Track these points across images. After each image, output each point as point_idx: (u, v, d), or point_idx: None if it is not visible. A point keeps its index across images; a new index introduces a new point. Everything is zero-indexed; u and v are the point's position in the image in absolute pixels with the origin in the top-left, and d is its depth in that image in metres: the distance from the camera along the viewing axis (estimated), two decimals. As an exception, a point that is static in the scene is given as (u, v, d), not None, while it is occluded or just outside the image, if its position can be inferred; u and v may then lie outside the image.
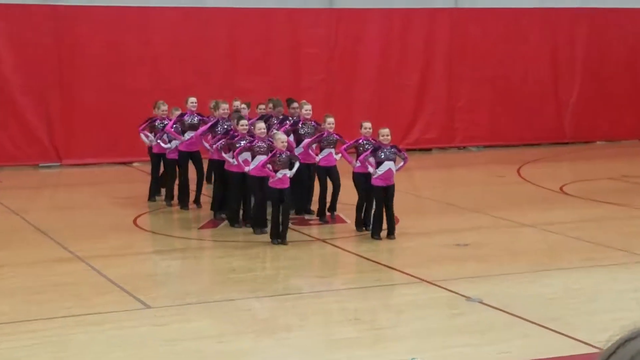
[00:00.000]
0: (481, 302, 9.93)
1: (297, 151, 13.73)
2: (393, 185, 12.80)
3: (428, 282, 10.78)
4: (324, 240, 13.20)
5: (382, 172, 12.62)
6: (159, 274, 11.91)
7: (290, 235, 12.87)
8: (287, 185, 12.40)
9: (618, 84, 23.81)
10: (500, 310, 9.68)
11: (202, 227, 13.92)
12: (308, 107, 14.62)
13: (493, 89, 23.03)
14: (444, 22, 22.71)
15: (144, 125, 15.52)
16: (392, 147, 12.79)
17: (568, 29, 23.60)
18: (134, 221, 14.31)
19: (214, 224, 14.00)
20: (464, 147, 23.10)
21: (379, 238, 12.76)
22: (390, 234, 12.83)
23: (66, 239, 13.07)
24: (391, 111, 22.06)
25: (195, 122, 14.75)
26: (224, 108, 14.18)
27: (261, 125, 13.05)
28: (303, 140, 14.13)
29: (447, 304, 10.09)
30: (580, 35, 23.63)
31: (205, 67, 20.94)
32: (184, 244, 13.20)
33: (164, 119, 15.25)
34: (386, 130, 12.81)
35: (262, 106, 15.57)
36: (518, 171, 19.60)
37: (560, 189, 17.36)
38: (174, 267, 12.17)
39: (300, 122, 14.47)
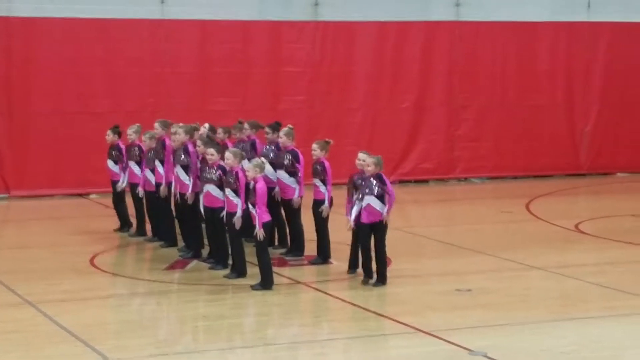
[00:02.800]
0: (486, 356, 9.89)
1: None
2: (381, 222, 12.76)
3: (425, 332, 10.69)
4: (305, 284, 13.21)
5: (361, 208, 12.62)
6: (118, 322, 11.89)
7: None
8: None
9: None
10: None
11: (167, 268, 13.97)
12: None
13: (499, 113, 23.15)
14: (444, 37, 22.87)
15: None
16: (375, 177, 12.70)
17: (585, 46, 23.72)
18: (91, 261, 14.32)
19: (182, 264, 14.11)
20: (466, 179, 23.18)
21: (353, 273, 12.89)
22: (381, 279, 12.79)
23: (14, 281, 13.02)
24: (383, 138, 22.16)
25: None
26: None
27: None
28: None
29: (447, 358, 10.03)
30: (598, 53, 23.78)
31: (171, 86, 21.01)
32: (147, 287, 13.22)
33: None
34: (363, 155, 12.77)
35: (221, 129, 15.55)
36: (527, 206, 19.63)
37: (576, 227, 17.35)
38: (135, 313, 12.15)
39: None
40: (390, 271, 13.05)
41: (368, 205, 12.60)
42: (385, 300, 12.46)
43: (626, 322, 11.34)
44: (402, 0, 22.57)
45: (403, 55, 22.57)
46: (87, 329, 10.98)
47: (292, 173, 14.25)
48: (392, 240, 13.38)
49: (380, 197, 12.64)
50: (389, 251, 13.10)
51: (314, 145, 13.99)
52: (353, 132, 21.87)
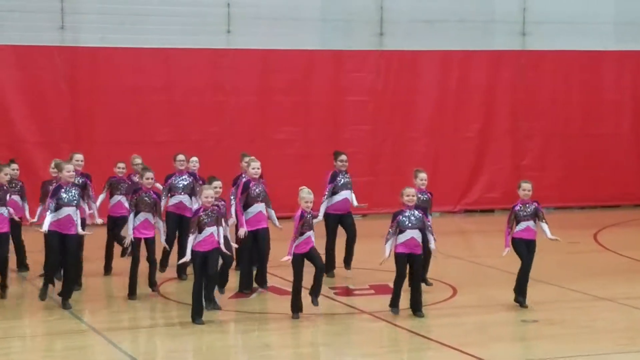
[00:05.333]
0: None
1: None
2: (420, 255, 12.73)
3: (490, 363, 10.82)
4: (370, 313, 13.22)
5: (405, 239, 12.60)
6: (182, 350, 11.99)
7: (330, 305, 13.04)
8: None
9: None
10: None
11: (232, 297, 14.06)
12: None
13: (565, 142, 23.13)
14: (509, 66, 22.93)
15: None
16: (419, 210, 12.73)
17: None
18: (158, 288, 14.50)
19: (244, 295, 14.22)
20: (532, 209, 23.12)
21: (396, 312, 12.78)
22: (417, 310, 12.75)
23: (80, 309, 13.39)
24: (448, 167, 22.25)
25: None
26: (68, 169, 13.41)
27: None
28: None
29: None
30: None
31: (234, 115, 21.22)
32: (208, 315, 13.32)
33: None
34: (411, 191, 12.76)
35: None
36: (595, 237, 19.55)
37: (644, 257, 17.32)
38: (198, 342, 12.24)
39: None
40: (455, 301, 13.04)
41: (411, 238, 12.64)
42: (450, 329, 12.34)
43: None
44: (465, 30, 22.61)
45: (468, 84, 22.66)
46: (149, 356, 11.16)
47: None
48: (458, 270, 13.40)
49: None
50: (455, 280, 13.08)
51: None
52: (416, 161, 21.87)
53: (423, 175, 13.88)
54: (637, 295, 14.20)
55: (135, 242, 13.80)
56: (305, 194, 12.56)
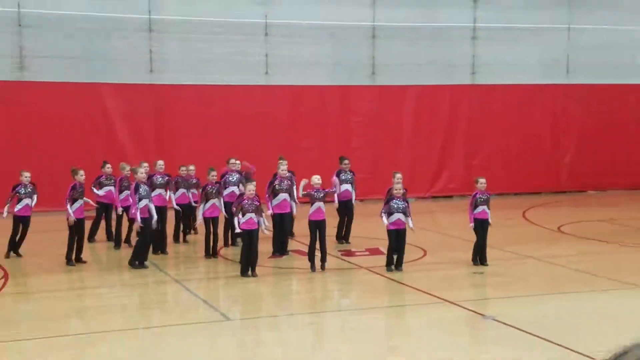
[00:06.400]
0: (495, 319, 9.84)
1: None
2: (404, 230, 12.58)
3: (451, 302, 10.73)
4: (367, 268, 13.18)
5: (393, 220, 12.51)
6: (240, 295, 11.96)
7: (339, 263, 12.96)
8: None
9: (606, 146, 23.59)
10: (512, 327, 9.50)
11: (270, 257, 14.01)
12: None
13: (503, 148, 22.97)
14: (464, 95, 22.79)
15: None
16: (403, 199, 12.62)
17: (563, 101, 23.50)
18: (218, 252, 14.46)
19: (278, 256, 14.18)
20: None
21: (390, 270, 12.60)
22: (399, 266, 12.63)
23: (164, 265, 13.33)
24: (422, 166, 22.13)
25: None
26: (141, 172, 13.12)
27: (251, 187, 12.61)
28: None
29: (467, 321, 9.95)
30: (572, 107, 23.52)
31: (271, 131, 21.12)
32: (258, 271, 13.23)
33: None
34: (399, 185, 12.75)
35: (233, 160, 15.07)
36: (524, 214, 19.44)
37: (558, 229, 17.17)
38: (250, 289, 12.20)
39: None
40: (425, 260, 12.94)
41: (397, 219, 12.53)
42: (423, 280, 12.20)
43: (600, 297, 11.20)
44: (433, 71, 22.46)
45: (435, 108, 22.52)
46: (215, 300, 11.12)
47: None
48: (428, 239, 13.21)
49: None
50: (426, 246, 12.90)
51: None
52: (399, 163, 21.76)
53: (399, 175, 13.61)
54: (554, 255, 14.09)
55: (205, 221, 13.73)
56: (316, 180, 12.83)
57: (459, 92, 22.71)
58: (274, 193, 13.76)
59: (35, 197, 13.75)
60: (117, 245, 14.91)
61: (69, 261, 13.15)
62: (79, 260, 13.27)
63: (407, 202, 12.78)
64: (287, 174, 13.90)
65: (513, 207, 20.47)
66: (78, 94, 19.79)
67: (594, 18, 23.26)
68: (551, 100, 23.41)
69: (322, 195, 12.69)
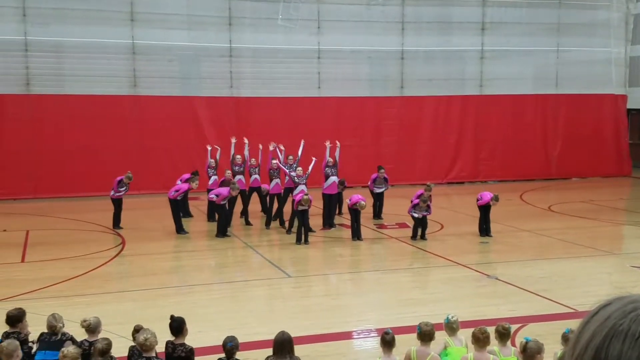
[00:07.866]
0: (497, 279, 9.75)
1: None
2: (426, 217, 12.54)
3: (462, 265, 10.65)
4: (396, 238, 13.15)
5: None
6: (294, 257, 12.03)
7: (375, 234, 12.89)
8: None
9: (587, 142, 23.01)
10: (510, 284, 9.48)
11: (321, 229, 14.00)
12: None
13: (504, 144, 22.56)
14: (473, 103, 22.41)
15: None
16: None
17: (553, 107, 22.96)
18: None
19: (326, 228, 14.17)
20: (485, 181, 22.63)
21: (415, 239, 12.56)
22: (422, 237, 12.59)
23: (240, 235, 13.44)
24: (439, 159, 21.88)
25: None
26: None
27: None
28: None
29: (474, 279, 9.93)
30: (560, 112, 22.96)
31: (321, 133, 20.89)
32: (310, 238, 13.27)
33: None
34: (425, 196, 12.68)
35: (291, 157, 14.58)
36: (521, 196, 19.09)
37: (549, 208, 16.83)
38: (303, 253, 12.26)
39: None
40: (442, 232, 12.76)
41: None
42: (440, 247, 12.17)
43: (578, 261, 10.99)
44: (448, 84, 22.09)
45: (449, 113, 22.12)
46: (279, 261, 11.20)
47: None
48: (444, 216, 13.00)
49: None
50: (443, 221, 12.68)
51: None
52: (422, 156, 21.58)
53: (382, 170, 13.64)
54: (545, 228, 13.82)
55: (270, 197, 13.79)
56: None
57: (468, 101, 22.34)
58: (326, 176, 13.78)
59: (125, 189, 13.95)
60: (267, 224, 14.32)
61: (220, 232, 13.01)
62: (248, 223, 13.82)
63: (429, 206, 12.65)
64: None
65: (511, 190, 20.11)
66: (176, 105, 20.05)
67: (578, 41, 22.74)
68: (543, 107, 22.90)
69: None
